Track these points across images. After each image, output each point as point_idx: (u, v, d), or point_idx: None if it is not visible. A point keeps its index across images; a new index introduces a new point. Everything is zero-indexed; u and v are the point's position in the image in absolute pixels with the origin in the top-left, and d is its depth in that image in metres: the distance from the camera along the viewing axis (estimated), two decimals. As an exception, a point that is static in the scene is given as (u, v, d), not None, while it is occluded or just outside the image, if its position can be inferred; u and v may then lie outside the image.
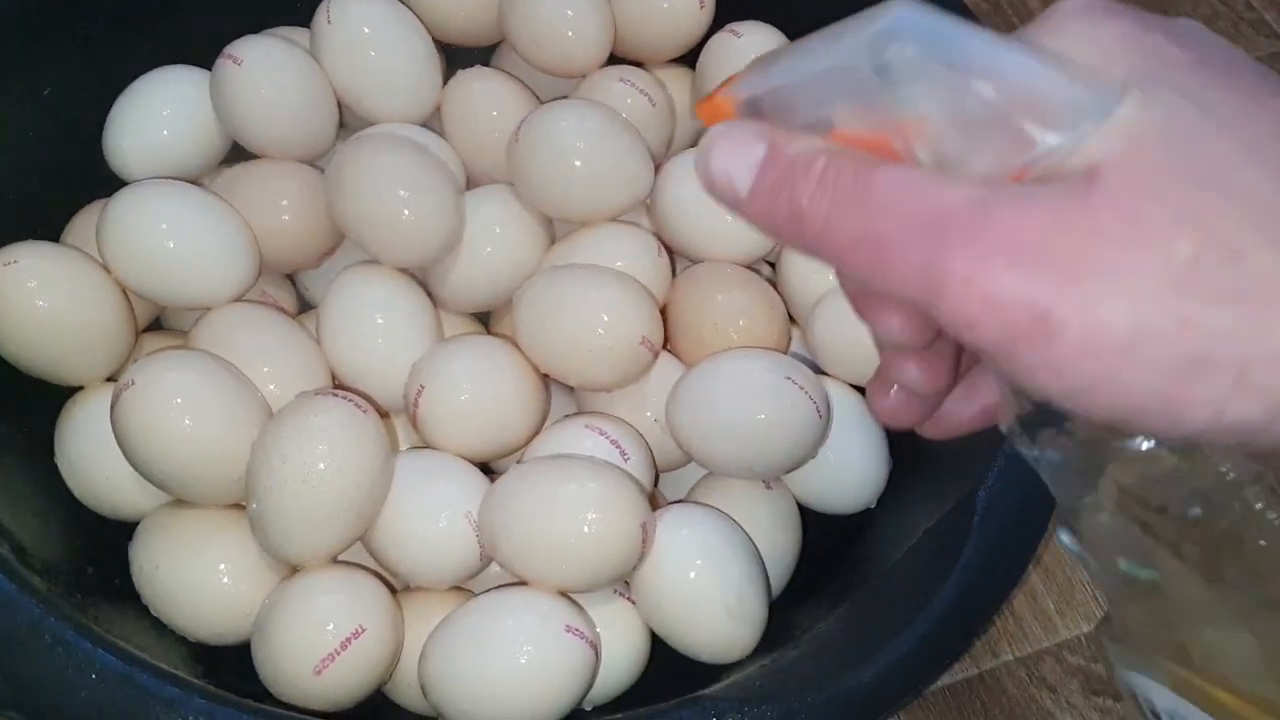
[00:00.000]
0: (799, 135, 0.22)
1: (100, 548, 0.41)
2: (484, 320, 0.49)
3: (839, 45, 0.22)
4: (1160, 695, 0.25)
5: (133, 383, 0.38)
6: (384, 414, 0.42)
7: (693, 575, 0.38)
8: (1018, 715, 0.48)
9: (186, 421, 0.38)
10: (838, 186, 0.21)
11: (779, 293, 0.47)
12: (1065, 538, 0.24)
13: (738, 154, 0.23)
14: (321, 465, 0.37)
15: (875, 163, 0.21)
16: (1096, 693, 0.48)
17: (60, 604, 0.33)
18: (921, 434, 0.27)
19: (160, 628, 0.39)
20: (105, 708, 0.31)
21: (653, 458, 0.43)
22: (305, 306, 0.49)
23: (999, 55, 0.21)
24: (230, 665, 0.38)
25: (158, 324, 0.48)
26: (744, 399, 0.40)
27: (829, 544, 0.44)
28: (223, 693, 0.32)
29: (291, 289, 0.49)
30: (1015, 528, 0.37)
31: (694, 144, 0.53)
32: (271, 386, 0.41)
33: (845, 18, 0.22)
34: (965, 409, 0.27)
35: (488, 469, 0.43)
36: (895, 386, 0.27)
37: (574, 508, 0.37)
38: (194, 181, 0.47)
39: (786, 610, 0.41)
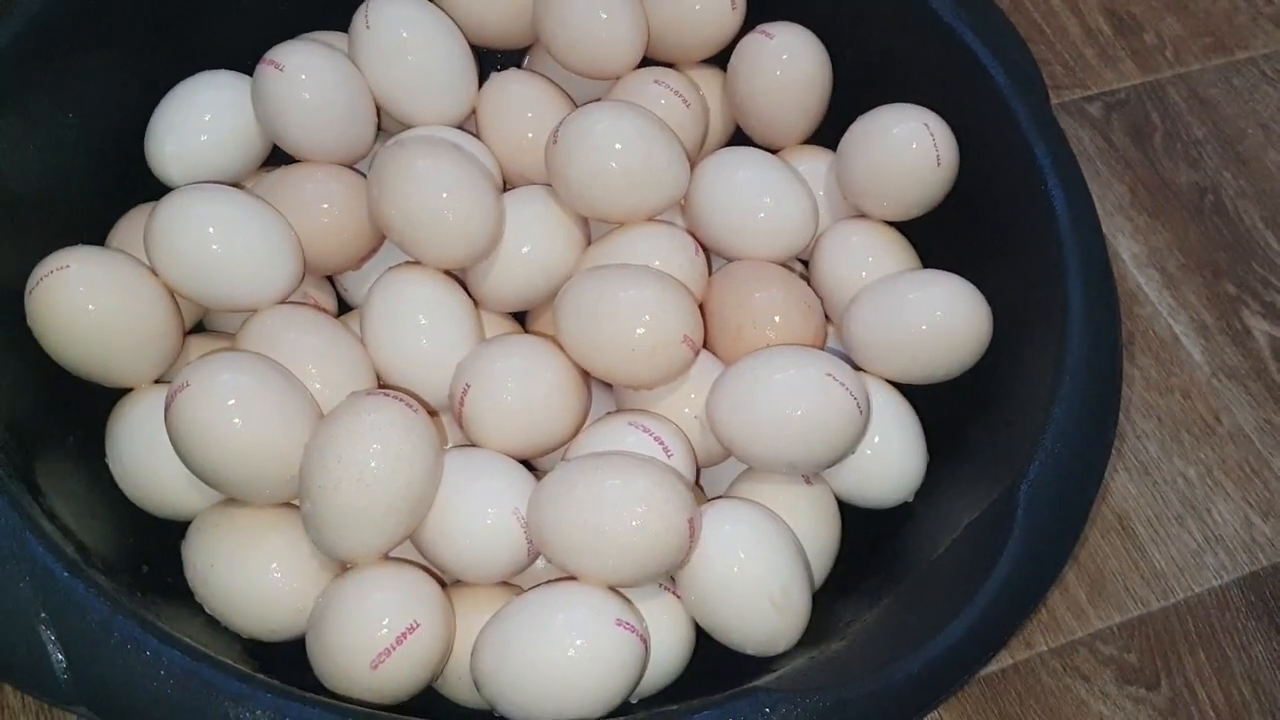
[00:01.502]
0: None
1: (153, 547, 0.41)
2: (520, 319, 0.50)
3: None
4: None
5: (187, 384, 0.38)
6: (432, 412, 0.42)
7: (737, 569, 0.39)
8: (1052, 705, 0.48)
9: (239, 422, 0.38)
10: None
11: (813, 290, 0.48)
12: None
13: None
14: (374, 464, 0.37)
15: None
16: (1130, 682, 0.49)
17: (126, 602, 0.33)
18: None
19: (214, 625, 0.40)
20: (174, 704, 0.32)
21: (694, 454, 0.43)
22: (345, 307, 0.50)
23: None
24: (281, 660, 0.39)
25: (199, 327, 0.49)
26: (785, 396, 0.41)
27: (867, 538, 0.44)
28: (290, 688, 0.32)
29: (331, 290, 0.50)
30: (1057, 521, 0.38)
31: (726, 143, 0.54)
32: (318, 386, 0.42)
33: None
34: None
35: (530, 466, 0.44)
36: None
37: (624, 504, 0.37)
38: (234, 185, 0.47)
39: (828, 604, 0.41)
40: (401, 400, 0.39)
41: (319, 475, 0.37)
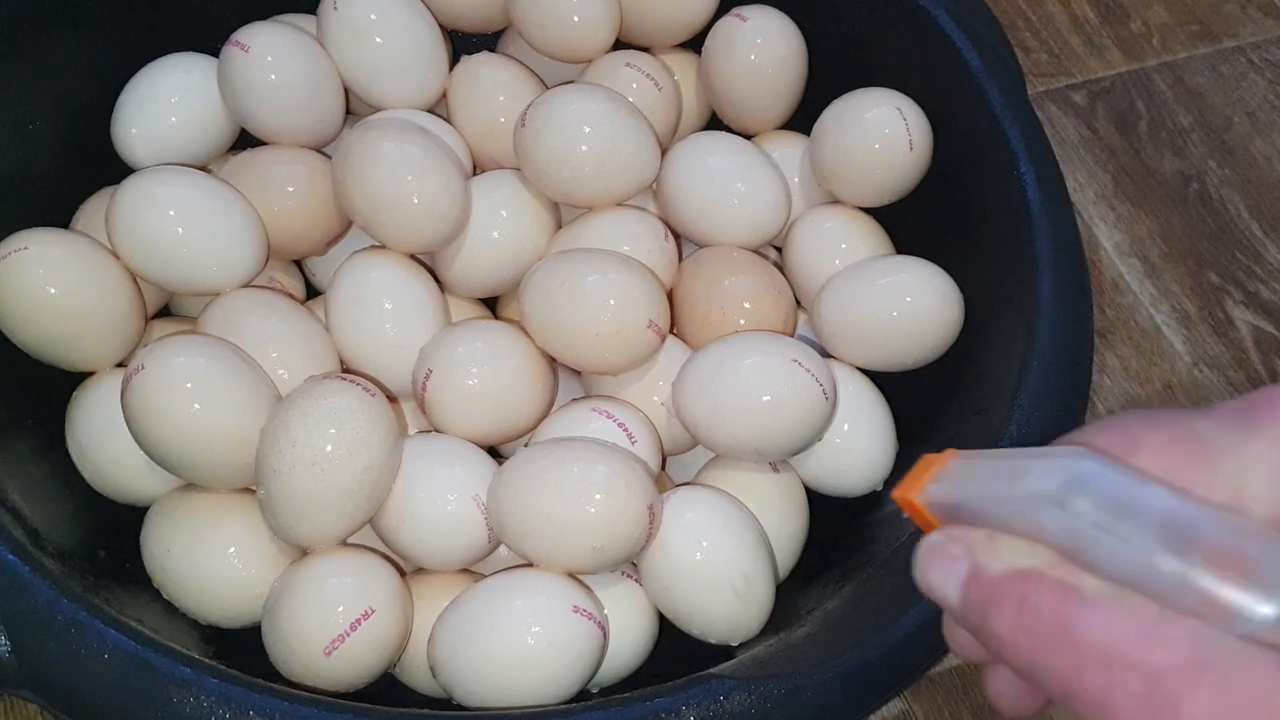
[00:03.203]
0: (1000, 549, 0.22)
1: (111, 532, 0.41)
2: (490, 305, 0.49)
3: (1025, 483, 0.22)
4: None
5: (142, 367, 0.38)
6: (392, 399, 0.42)
7: (699, 556, 0.39)
8: (1024, 697, 0.48)
9: (196, 406, 0.38)
10: (1037, 623, 0.21)
11: (785, 277, 0.47)
12: None
13: (946, 570, 0.23)
14: (330, 448, 0.37)
15: (1075, 601, 0.21)
16: (1103, 674, 0.49)
17: (73, 586, 0.33)
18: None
19: (171, 610, 0.40)
20: (118, 688, 0.31)
21: (660, 441, 0.43)
22: (312, 292, 0.50)
23: (1178, 517, 0.21)
24: (240, 647, 0.38)
25: (166, 311, 0.48)
26: (750, 382, 0.40)
27: (835, 526, 0.44)
28: (235, 672, 0.32)
29: (299, 275, 0.50)
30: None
31: (701, 128, 0.54)
32: (280, 371, 0.41)
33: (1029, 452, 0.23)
34: None
35: (495, 453, 0.43)
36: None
37: (581, 490, 0.37)
38: (201, 168, 0.47)
39: (794, 593, 0.41)
40: (359, 384, 0.38)
41: (274, 459, 0.37)
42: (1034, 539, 0.22)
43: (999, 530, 0.23)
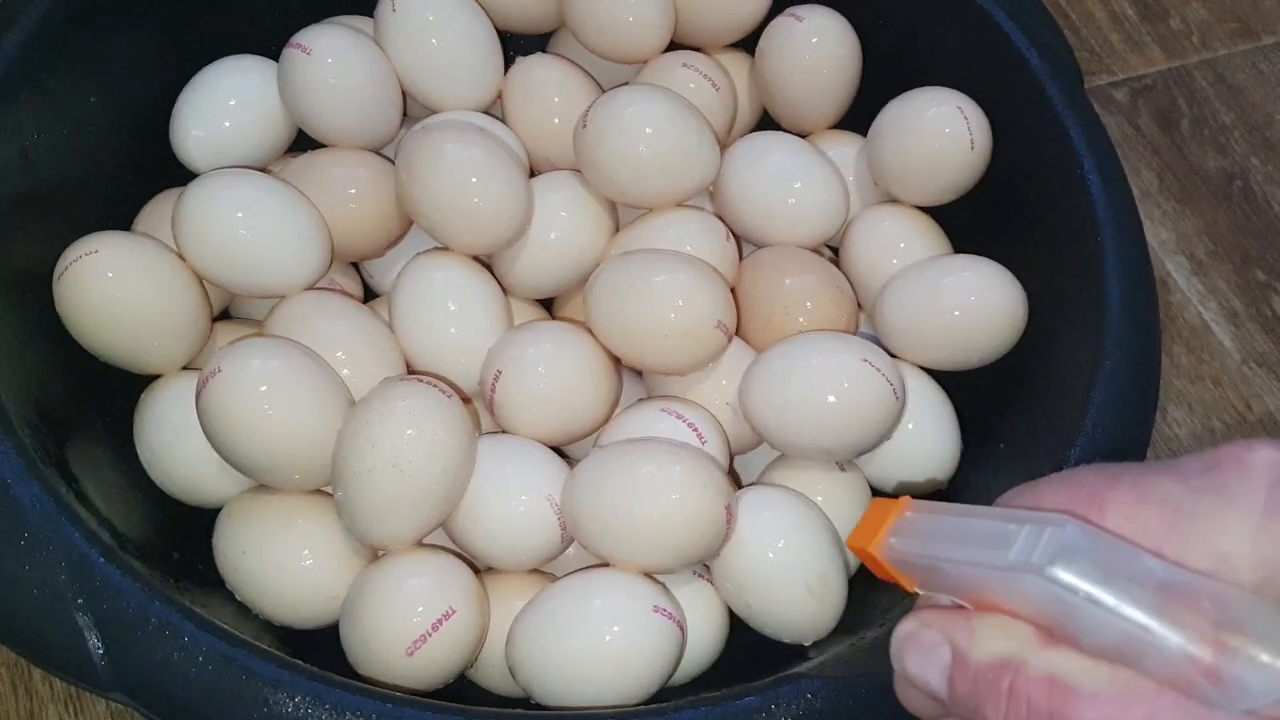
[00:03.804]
0: (981, 633, 0.22)
1: (182, 534, 0.41)
2: (546, 305, 0.50)
3: (1011, 552, 0.22)
4: None
5: (219, 370, 0.38)
6: (466, 399, 0.42)
7: (773, 556, 0.39)
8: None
9: (269, 408, 0.38)
10: (1031, 715, 0.21)
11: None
12: None
13: (926, 659, 0.23)
14: (409, 450, 0.37)
15: (1070, 694, 0.20)
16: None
17: (162, 588, 0.33)
18: None
19: (245, 612, 0.40)
20: (212, 690, 0.31)
21: (728, 441, 0.43)
22: (370, 294, 0.50)
23: (1174, 589, 0.20)
24: (313, 648, 0.38)
25: (225, 314, 0.48)
26: (820, 381, 0.41)
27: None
28: (327, 674, 0.32)
29: (357, 277, 0.50)
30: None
31: (753, 128, 0.54)
32: (347, 373, 0.41)
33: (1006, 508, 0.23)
34: None
35: (560, 453, 0.43)
36: None
37: (658, 489, 0.37)
38: (261, 170, 0.47)
39: (863, 593, 0.41)
40: (436, 386, 0.38)
41: (353, 461, 0.37)
42: (1015, 611, 0.22)
43: (976, 596, 0.23)
